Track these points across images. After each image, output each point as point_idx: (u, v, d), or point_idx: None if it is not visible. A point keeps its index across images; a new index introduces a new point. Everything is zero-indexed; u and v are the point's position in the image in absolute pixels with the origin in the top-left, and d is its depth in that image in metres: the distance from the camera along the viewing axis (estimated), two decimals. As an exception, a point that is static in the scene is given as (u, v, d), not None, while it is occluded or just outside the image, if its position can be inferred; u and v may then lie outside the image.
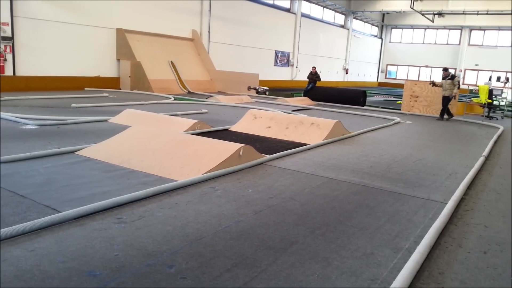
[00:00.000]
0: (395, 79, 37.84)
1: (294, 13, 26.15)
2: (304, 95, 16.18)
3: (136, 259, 2.54)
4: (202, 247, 2.77)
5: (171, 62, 17.30)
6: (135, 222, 3.12)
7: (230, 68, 19.77)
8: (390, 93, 24.61)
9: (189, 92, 16.70)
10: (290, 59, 26.59)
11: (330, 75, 30.26)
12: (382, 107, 14.60)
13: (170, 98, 12.96)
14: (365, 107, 14.54)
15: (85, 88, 14.45)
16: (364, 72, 36.78)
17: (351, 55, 33.61)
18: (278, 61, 25.74)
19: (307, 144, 6.51)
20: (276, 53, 25.39)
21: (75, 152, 5.10)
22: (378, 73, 39.18)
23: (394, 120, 10.85)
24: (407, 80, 14.94)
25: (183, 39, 18.71)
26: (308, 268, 2.54)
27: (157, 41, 17.15)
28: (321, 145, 6.60)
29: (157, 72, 16.17)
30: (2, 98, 10.05)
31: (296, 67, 27.01)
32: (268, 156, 5.38)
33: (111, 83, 15.58)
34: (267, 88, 8.18)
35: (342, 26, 32.24)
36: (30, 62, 13.05)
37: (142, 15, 16.48)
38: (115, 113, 8.26)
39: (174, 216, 3.27)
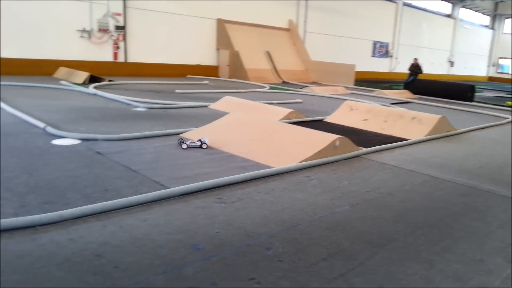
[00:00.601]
0: (508, 74, 34.28)
1: (395, 2, 24.89)
2: (404, 88, 15.38)
3: (235, 238, 2.66)
4: (298, 233, 2.80)
5: (267, 52, 17.54)
6: (235, 203, 3.25)
7: (326, 58, 19.49)
8: (503, 89, 22.36)
9: (283, 81, 16.83)
10: (389, 50, 25.43)
11: (433, 68, 28.36)
12: (493, 104, 13.33)
13: (266, 87, 13.18)
14: (473, 103, 13.40)
15: (187, 76, 15.30)
16: (472, 66, 33.87)
17: (457, 46, 31.14)
18: (376, 52, 24.77)
19: (407, 139, 6.21)
20: (375, 43, 24.46)
21: (179, 135, 5.44)
22: (488, 66, 35.82)
23: (507, 118, 9.85)
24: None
25: (279, 29, 18.85)
26: (409, 267, 2.44)
27: (254, 31, 17.51)
28: (423, 141, 6.25)
29: (254, 62, 16.53)
30: (116, 82, 11.06)
31: (396, 58, 25.77)
32: (365, 149, 5.24)
33: (211, 71, 16.28)
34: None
35: (448, 16, 29.95)
36: (139, 50, 14.14)
37: (241, 5, 16.91)
38: (214, 100, 8.63)
39: (270, 201, 3.35)
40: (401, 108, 9.12)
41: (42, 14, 11.77)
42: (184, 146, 4.77)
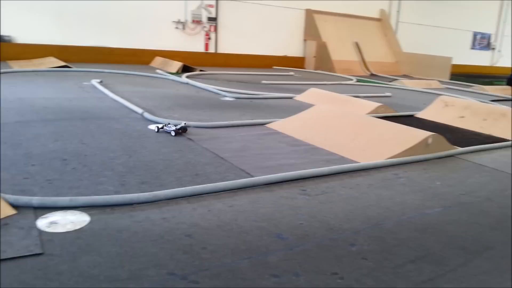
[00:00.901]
0: None
1: (503, -11, 22.69)
2: (507, 84, 14.04)
3: (319, 231, 2.66)
4: (384, 232, 2.72)
5: (356, 43, 17.05)
6: (318, 196, 3.24)
7: (419, 50, 18.43)
8: None
9: (372, 74, 16.27)
10: (491, 41, 23.33)
11: (543, 63, 25.52)
12: None
13: (352, 80, 12.86)
14: None
15: (273, 67, 15.43)
16: None
17: None
18: (476, 44, 22.88)
19: (510, 140, 5.68)
20: (475, 34, 22.58)
21: (265, 125, 5.53)
22: None
23: None
24: None
25: (370, 19, 18.19)
26: (507, 279, 2.25)
27: (343, 21, 17.09)
28: (527, 143, 5.68)
29: (341, 53, 16.17)
30: (206, 72, 11.51)
31: (499, 51, 23.58)
32: (460, 149, 4.90)
33: (297, 62, 16.26)
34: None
35: None
36: (229, 41, 14.55)
37: (332, -5, 16.61)
38: (300, 91, 8.62)
39: (355, 197, 3.29)
40: (504, 106, 8.35)
41: (142, 7, 12.60)
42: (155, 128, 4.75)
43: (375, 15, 18.39)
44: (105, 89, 7.05)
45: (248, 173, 3.62)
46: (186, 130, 4.72)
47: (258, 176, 3.50)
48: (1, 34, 10.77)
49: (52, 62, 10.31)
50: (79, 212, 2.59)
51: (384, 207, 3.13)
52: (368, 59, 16.97)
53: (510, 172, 4.28)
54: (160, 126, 4.77)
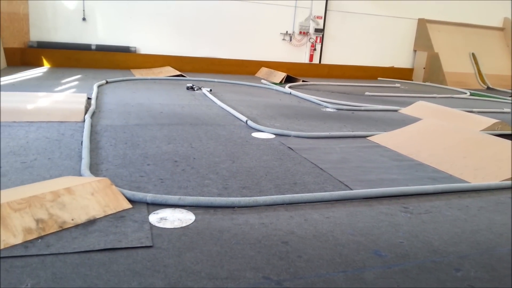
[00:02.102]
0: None
1: None
2: None
3: (420, 252, 2.53)
4: (495, 260, 2.50)
5: (472, 53, 15.78)
6: (422, 215, 3.09)
7: (549, 62, 16.43)
8: None
9: (488, 87, 14.91)
10: None
11: None
12: None
13: (466, 93, 11.93)
14: None
15: (378, 78, 14.97)
16: None
17: None
18: None
19: None
20: None
21: (366, 137, 5.41)
22: None
23: None
24: None
25: (490, 28, 16.70)
26: None
27: (459, 31, 15.95)
28: None
29: (454, 65, 15.09)
30: (309, 83, 11.60)
31: None
32: None
33: (404, 74, 15.56)
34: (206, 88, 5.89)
35: None
36: (333, 52, 14.48)
37: (447, 3, 15.60)
38: (405, 104, 8.26)
39: (463, 219, 3.07)
40: None
41: (253, 19, 13.16)
42: (194, 89, 6.08)
43: (497, 24, 16.84)
44: (213, 97, 7.51)
45: (347, 186, 3.58)
46: None
47: (356, 189, 3.45)
48: (128, 45, 12.07)
49: (169, 71, 11.25)
50: (186, 210, 2.81)
51: (496, 233, 2.88)
52: (485, 72, 15.58)
53: None
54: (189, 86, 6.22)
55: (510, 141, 4.63)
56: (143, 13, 12.04)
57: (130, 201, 2.85)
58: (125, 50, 12.05)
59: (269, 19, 13.35)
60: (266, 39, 13.50)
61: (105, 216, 2.65)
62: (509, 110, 9.00)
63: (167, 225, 2.59)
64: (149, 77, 10.17)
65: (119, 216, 2.68)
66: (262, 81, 11.20)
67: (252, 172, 3.74)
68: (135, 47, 12.14)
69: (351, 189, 3.47)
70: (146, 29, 12.18)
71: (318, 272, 2.22)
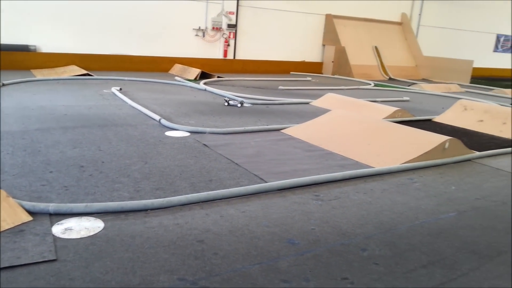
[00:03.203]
0: None
1: (528, -11, 22.15)
2: (530, 87, 13.71)
3: (330, 236, 2.66)
4: (397, 237, 2.71)
5: (375, 47, 16.92)
6: (331, 201, 3.24)
7: (440, 53, 18.16)
8: None
9: (390, 78, 16.10)
10: (515, 43, 22.79)
11: None
12: None
13: (370, 84, 12.76)
14: None
15: (291, 72, 15.45)
16: None
17: None
18: (499, 47, 22.38)
19: (531, 144, 5.56)
20: (498, 37, 22.10)
21: (280, 130, 5.55)
22: None
23: None
24: None
25: (390, 23, 18.03)
26: (521, 284, 2.22)
27: (363, 25, 17.00)
28: (549, 146, 5.54)
29: (360, 58, 16.07)
30: (224, 79, 11.63)
31: (523, 53, 23.01)
32: (478, 153, 4.82)
33: (315, 67, 16.23)
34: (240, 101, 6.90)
35: None
36: (247, 47, 14.64)
37: (352, 0, 16.54)
38: (316, 96, 8.62)
39: (369, 202, 3.28)
40: (526, 109, 8.16)
41: (163, 15, 12.82)
42: (226, 104, 6.82)
43: (396, 19, 18.22)
44: (124, 97, 7.20)
45: (262, 179, 3.64)
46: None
47: (271, 181, 3.53)
48: (27, 44, 11.12)
49: (74, 70, 10.58)
50: (94, 218, 2.66)
51: (398, 212, 3.12)
52: (387, 63, 16.81)
53: (530, 176, 4.19)
54: (227, 99, 7.02)
55: (408, 127, 5.04)
56: (43, 9, 11.16)
57: (31, 213, 2.63)
58: (24, 49, 11.09)
59: (180, 15, 13.11)
60: (179, 35, 13.25)
61: (1, 232, 2.42)
62: (408, 98, 9.80)
63: (73, 235, 2.43)
64: (51, 77, 9.46)
65: (17, 230, 2.46)
66: (176, 78, 10.99)
67: (166, 172, 3.66)
68: (35, 46, 11.22)
69: (266, 182, 3.54)
70: (47, 26, 11.30)
71: (234, 267, 2.23)
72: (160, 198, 3.00)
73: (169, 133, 5.02)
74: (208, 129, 5.20)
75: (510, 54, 22.90)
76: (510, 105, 9.32)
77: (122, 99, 7.15)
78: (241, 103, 6.16)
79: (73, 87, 8.33)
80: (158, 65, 12.92)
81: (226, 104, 6.06)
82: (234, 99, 6.05)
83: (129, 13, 12.29)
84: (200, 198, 3.03)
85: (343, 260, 2.39)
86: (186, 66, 12.48)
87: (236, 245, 2.47)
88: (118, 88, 8.22)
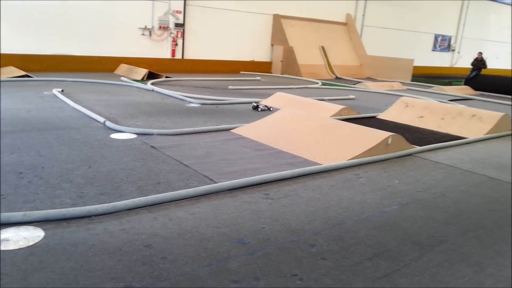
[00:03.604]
0: None
1: (461, -8, 23.59)
2: (465, 84, 14.61)
3: (280, 234, 2.69)
4: (344, 232, 2.78)
5: (322, 47, 17.32)
6: (281, 199, 3.28)
7: (383, 53, 18.91)
8: None
9: (337, 77, 16.55)
10: (451, 43, 24.20)
11: (498, 62, 26.62)
12: None
13: (318, 83, 13.05)
14: (542, 100, 12.46)
15: (241, 72, 15.48)
16: (544, 59, 31.40)
17: (528, 39, 28.97)
18: (437, 46, 23.65)
19: (465, 138, 5.91)
20: (436, 37, 23.36)
21: (230, 130, 5.54)
22: None
23: None
24: None
25: (336, 23, 18.53)
26: (457, 270, 2.35)
27: (310, 26, 17.34)
28: (482, 140, 5.93)
29: (307, 57, 16.39)
30: (172, 79, 11.44)
31: (458, 52, 24.48)
32: (418, 148, 5.06)
33: (264, 67, 16.36)
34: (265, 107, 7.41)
35: (520, 5, 27.91)
36: (196, 47, 14.49)
37: (299, 0, 16.81)
38: (266, 96, 8.68)
39: (317, 198, 3.34)
40: (461, 105, 8.68)
41: (108, 13, 12.40)
42: (259, 109, 7.17)
43: (341, 19, 18.75)
44: (66, 99, 6.89)
45: (212, 179, 3.62)
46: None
47: (221, 182, 3.51)
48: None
49: (12, 71, 9.98)
50: (33, 227, 2.52)
51: (344, 207, 3.20)
52: (334, 63, 17.27)
53: (464, 168, 4.45)
54: (255, 105, 7.24)
55: (354, 125, 5.20)
56: (-27, 6, 10.46)
57: (-38, 224, 2.45)
58: (-47, 49, 10.34)
59: (126, 13, 12.74)
60: (124, 34, 12.87)
61: None
62: (353, 96, 10.11)
63: (10, 246, 2.29)
64: (-14, 79, 8.89)
65: None
66: (122, 78, 10.68)
67: (112, 176, 3.54)
68: (-34, 46, 10.50)
69: (216, 183, 3.51)
70: (-21, 24, 10.61)
71: (183, 271, 2.20)
72: (105, 203, 2.89)
73: (114, 136, 4.86)
74: (156, 131, 5.09)
75: (446, 53, 24.27)
76: (448, 102, 9.88)
77: (64, 101, 6.84)
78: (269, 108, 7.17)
79: (11, 89, 7.86)
80: (103, 65, 12.48)
81: (258, 109, 7.08)
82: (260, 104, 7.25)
83: (70, 12, 11.78)
84: (147, 201, 2.96)
85: (292, 257, 2.42)
86: (132, 66, 12.15)
87: (185, 248, 2.43)
88: (60, 89, 7.86)
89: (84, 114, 5.94)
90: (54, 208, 2.79)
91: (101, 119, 5.46)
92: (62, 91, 7.84)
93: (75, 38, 11.99)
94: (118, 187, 3.29)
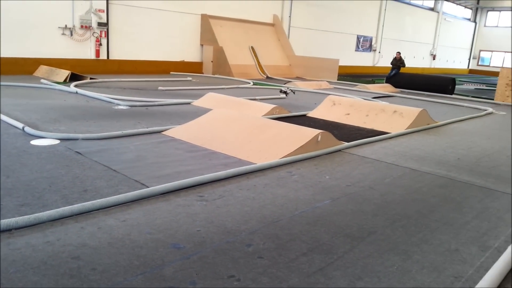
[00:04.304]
0: (488, 66, 34.87)
1: (380, -4, 25.04)
2: (386, 82, 15.54)
3: (216, 236, 2.66)
4: (279, 229, 2.82)
5: (252, 47, 17.50)
6: (216, 200, 3.25)
7: (310, 53, 19.54)
8: (482, 81, 22.77)
9: (267, 77, 16.82)
10: (372, 44, 25.61)
11: (415, 61, 28.67)
12: (472, 96, 13.56)
13: (249, 83, 13.17)
14: (453, 96, 13.61)
15: (171, 72, 15.18)
16: (453, 59, 34.33)
17: (439, 40, 31.50)
18: (360, 46, 24.91)
19: (388, 133, 6.28)
20: (358, 37, 24.59)
21: (161, 132, 5.41)
22: (469, 59, 36.35)
23: (486, 110, 10.03)
24: (503, 67, 13.66)
25: (264, 24, 18.81)
26: (386, 259, 2.48)
27: (239, 26, 17.44)
28: (403, 134, 6.33)
29: (238, 57, 16.47)
30: (97, 80, 10.93)
31: (379, 52, 25.98)
32: (346, 144, 5.28)
33: (195, 67, 16.18)
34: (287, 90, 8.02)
35: (432, 9, 30.27)
36: (122, 47, 13.97)
37: (226, 0, 16.83)
38: (197, 96, 8.60)
39: (252, 198, 3.36)
40: (383, 102, 9.21)
41: (23, 11, 11.54)
42: (286, 94, 8.39)
43: (269, 20, 19.06)
44: (-22, 104, 6.32)
45: (143, 184, 3.50)
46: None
47: (153, 186, 3.40)
48: None
49: None
50: None
51: (279, 205, 3.25)
52: (264, 63, 17.52)
53: (388, 161, 4.72)
54: (283, 90, 7.57)
55: (285, 123, 5.30)
56: None
57: None
58: None
59: (43, 12, 11.94)
60: (43, 34, 12.07)
61: None
62: (283, 96, 10.33)
63: None
64: None
65: None
66: (42, 80, 10.00)
67: (33, 185, 3.29)
68: None
69: (147, 187, 3.40)
70: None
71: (114, 281, 2.09)
72: (26, 215, 2.68)
73: (35, 142, 4.53)
74: (81, 135, 4.82)
75: (368, 53, 25.64)
76: (372, 99, 10.43)
77: (-25, 106, 6.27)
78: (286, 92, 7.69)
79: None
80: (21, 67, 11.61)
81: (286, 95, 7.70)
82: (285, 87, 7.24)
83: (-20, 9, 10.82)
84: (73, 211, 2.79)
85: (229, 258, 2.40)
86: (53, 68, 11.43)
87: (116, 257, 2.32)
88: (-30, 93, 7.19)
89: (0, 119, 5.48)
90: (-35, 224, 2.53)
91: (20, 125, 5.07)
92: (-27, 95, 7.18)
93: (-14, 37, 11.04)
94: (41, 197, 3.06)
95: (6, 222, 2.53)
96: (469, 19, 35.08)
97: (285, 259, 2.43)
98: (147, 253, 2.39)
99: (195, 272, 2.23)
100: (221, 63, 15.89)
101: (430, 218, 3.15)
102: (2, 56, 11.33)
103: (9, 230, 2.51)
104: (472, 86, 19.84)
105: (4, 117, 5.47)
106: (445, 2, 30.97)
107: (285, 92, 7.74)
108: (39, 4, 11.82)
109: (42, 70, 11.62)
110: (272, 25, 19.26)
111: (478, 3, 34.18)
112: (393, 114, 6.94)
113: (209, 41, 16.13)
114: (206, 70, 16.35)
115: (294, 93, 7.47)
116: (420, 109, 7.05)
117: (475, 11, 35.14)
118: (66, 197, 3.10)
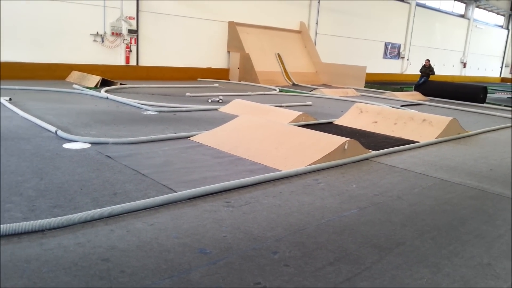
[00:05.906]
0: (521, 74, 33.86)
1: (408, 3, 24.72)
2: (415, 90, 15.27)
3: (242, 242, 2.66)
4: (305, 237, 2.80)
5: (278, 54, 17.55)
6: (242, 207, 3.26)
7: (337, 60, 19.43)
8: (516, 90, 22.09)
9: (293, 84, 16.81)
10: (401, 51, 25.25)
11: (445, 69, 28.09)
12: (505, 106, 13.15)
13: (276, 90, 13.19)
14: (485, 105, 13.23)
15: (198, 79, 15.38)
16: (485, 66, 33.46)
17: (470, 47, 30.78)
18: (388, 53, 24.61)
19: (417, 142, 6.15)
20: (386, 44, 24.30)
21: (189, 138, 5.47)
22: (501, 67, 35.34)
23: (520, 120, 9.71)
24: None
25: (290, 31, 18.85)
26: (415, 272, 2.42)
27: (265, 33, 17.53)
28: (433, 143, 6.19)
29: (264, 64, 16.54)
30: (127, 86, 11.17)
31: (407, 59, 25.58)
32: (374, 152, 5.21)
33: (221, 74, 16.34)
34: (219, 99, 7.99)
35: (462, 16, 29.64)
36: (151, 53, 14.26)
37: (253, 8, 16.97)
38: (224, 103, 8.67)
39: (278, 205, 3.35)
40: (412, 110, 9.04)
41: (57, 18, 11.95)
42: (209, 100, 7.81)
43: (296, 27, 19.09)
44: (14, 107, 6.56)
45: (171, 189, 3.54)
46: None
47: (181, 191, 3.44)
48: None
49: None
50: (-20, 244, 2.36)
51: (305, 213, 3.23)
52: (290, 70, 17.53)
53: (417, 171, 4.63)
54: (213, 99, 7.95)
55: (312, 131, 5.28)
56: None
57: None
58: None
59: (76, 19, 12.34)
60: (75, 40, 12.46)
61: None
62: (310, 103, 10.29)
63: (-47, 266, 2.13)
64: None
65: None
66: (74, 86, 10.31)
67: (65, 188, 3.38)
68: None
69: (175, 192, 3.44)
70: None
71: (142, 284, 2.12)
72: (59, 216, 2.76)
73: (67, 146, 4.66)
74: (111, 140, 4.94)
75: (396, 60, 25.29)
76: (400, 107, 10.27)
77: (12, 110, 6.51)
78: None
79: (-49, 97, 7.38)
80: (53, 73, 12.01)
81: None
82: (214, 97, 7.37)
83: (16, 16, 11.25)
84: (103, 213, 2.85)
85: (255, 265, 2.40)
86: (85, 73, 11.77)
87: (144, 260, 2.36)
88: (8, 98, 7.47)
89: (34, 123, 5.67)
90: (3, 223, 2.62)
91: (53, 129, 5.23)
92: (10, 99, 7.45)
93: (22, 44, 11.47)
94: (72, 199, 3.15)
95: (39, 223, 2.60)
96: (502, 26, 34.16)
97: (311, 268, 2.41)
98: (174, 257, 2.41)
99: (221, 278, 2.24)
100: (247, 70, 15.99)
101: (461, 230, 3.06)
102: (36, 62, 11.73)
103: (42, 230, 2.59)
104: (504, 95, 19.24)
105: (38, 121, 5.66)
106: (476, 9, 30.27)
107: (217, 102, 8.27)
108: (72, 12, 12.22)
109: (74, 75, 11.97)
110: (299, 32, 19.27)
111: (511, 9, 33.25)
112: (422, 122, 6.81)
113: (236, 48, 16.26)
114: (232, 77, 16.48)
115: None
116: (451, 118, 6.90)
117: (507, 18, 34.20)
118: (96, 200, 3.17)
